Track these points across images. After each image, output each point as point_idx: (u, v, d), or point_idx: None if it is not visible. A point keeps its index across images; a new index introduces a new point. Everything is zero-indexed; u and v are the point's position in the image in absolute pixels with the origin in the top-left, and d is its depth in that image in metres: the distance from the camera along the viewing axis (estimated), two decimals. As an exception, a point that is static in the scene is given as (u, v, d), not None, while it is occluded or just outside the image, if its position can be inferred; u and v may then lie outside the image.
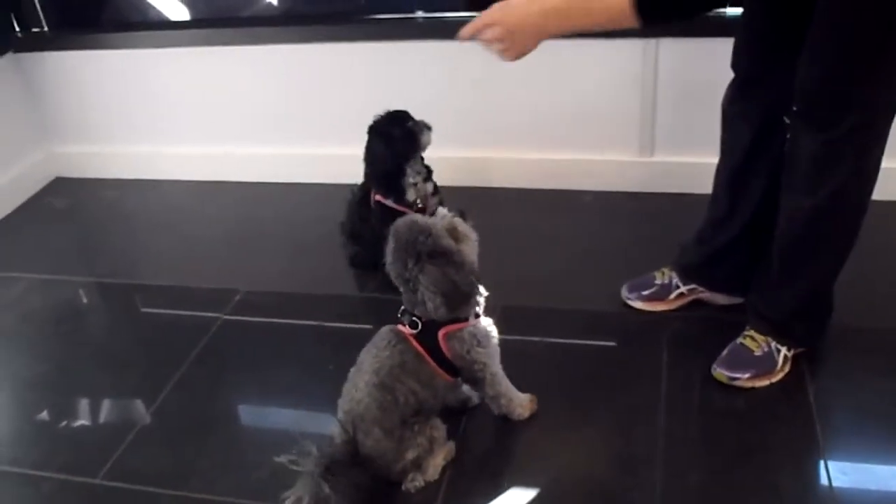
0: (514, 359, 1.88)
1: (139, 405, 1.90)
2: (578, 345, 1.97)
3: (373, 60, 2.56)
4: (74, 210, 2.88)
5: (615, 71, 2.38)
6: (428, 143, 2.10)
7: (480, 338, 1.61)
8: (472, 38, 1.53)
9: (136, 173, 2.95)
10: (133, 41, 2.78)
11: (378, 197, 2.12)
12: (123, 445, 1.78)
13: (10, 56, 2.76)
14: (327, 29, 2.63)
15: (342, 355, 1.68)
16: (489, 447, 1.71)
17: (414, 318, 1.57)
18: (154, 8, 2.94)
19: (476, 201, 2.51)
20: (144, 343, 2.14)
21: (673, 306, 2.01)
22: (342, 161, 2.62)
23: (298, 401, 1.89)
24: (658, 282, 2.01)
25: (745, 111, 1.76)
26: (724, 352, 1.81)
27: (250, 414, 1.91)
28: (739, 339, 1.81)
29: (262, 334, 2.11)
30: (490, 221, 2.42)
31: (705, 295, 2.00)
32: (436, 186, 2.19)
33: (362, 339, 1.69)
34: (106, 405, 1.97)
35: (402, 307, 1.60)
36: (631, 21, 1.39)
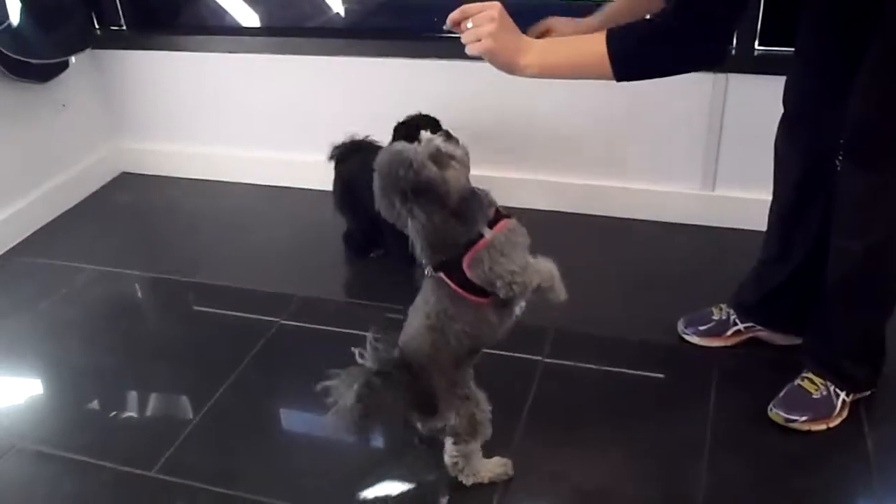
0: (564, 384, 1.90)
1: (195, 402, 1.93)
2: (630, 374, 1.96)
3: (440, 78, 2.59)
4: (138, 206, 2.94)
5: (683, 103, 2.38)
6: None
7: (501, 247, 1.46)
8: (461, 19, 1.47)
9: (199, 173, 3.01)
10: (206, 45, 2.84)
11: None
12: (178, 441, 1.82)
13: (88, 52, 2.83)
14: (397, 44, 2.67)
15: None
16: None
17: (426, 266, 1.49)
18: (228, 14, 3.01)
19: (529, 223, 2.54)
20: (201, 342, 2.17)
21: (729, 343, 1.99)
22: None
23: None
24: (715, 317, 2.00)
25: (794, 149, 1.76)
26: (782, 393, 1.79)
27: (303, 421, 1.94)
28: (797, 381, 1.79)
29: (318, 341, 2.14)
30: (546, 245, 2.46)
31: (763, 334, 1.98)
32: None
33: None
34: (162, 400, 2.01)
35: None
36: (607, 74, 1.40)
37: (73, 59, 2.75)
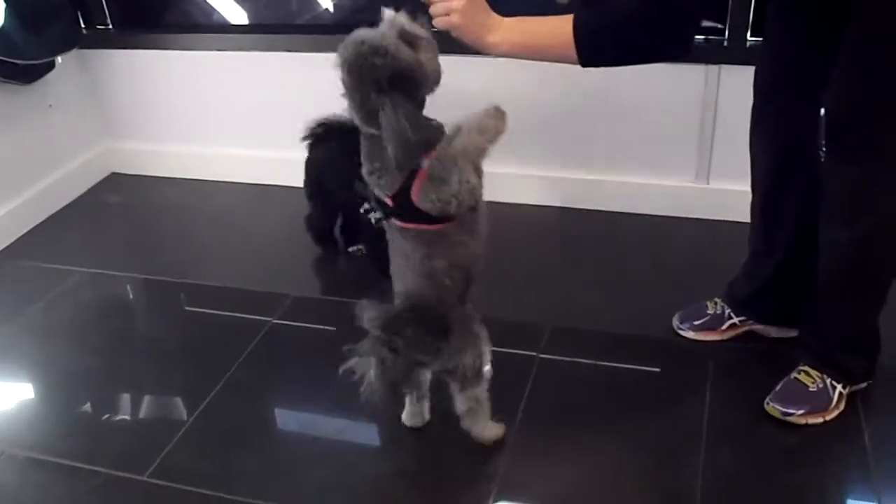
0: (560, 379, 1.89)
1: (187, 404, 1.91)
2: (625, 369, 1.95)
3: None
4: (128, 206, 2.92)
5: (675, 95, 2.37)
6: None
7: (438, 174, 1.36)
8: None
9: (190, 173, 2.99)
10: (194, 42, 2.82)
11: None
12: (171, 444, 1.79)
13: (74, 52, 2.80)
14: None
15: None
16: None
17: (386, 204, 1.42)
18: (216, 11, 2.98)
19: (524, 219, 2.53)
20: (193, 342, 2.15)
21: (725, 336, 1.98)
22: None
23: (346, 410, 1.89)
24: (710, 311, 1.99)
25: (764, 139, 1.76)
26: (778, 386, 1.78)
27: (298, 421, 1.92)
28: (794, 374, 1.78)
29: (311, 340, 2.12)
30: (538, 240, 2.45)
31: (758, 327, 1.97)
32: None
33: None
34: (154, 402, 1.99)
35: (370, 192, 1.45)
36: (572, 56, 1.39)
37: (59, 59, 2.72)
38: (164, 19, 3.04)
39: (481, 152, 1.41)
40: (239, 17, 3.00)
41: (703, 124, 2.38)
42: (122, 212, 2.89)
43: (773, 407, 1.75)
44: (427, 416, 1.76)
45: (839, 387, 1.75)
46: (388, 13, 1.36)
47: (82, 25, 2.85)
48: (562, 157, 2.57)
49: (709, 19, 2.28)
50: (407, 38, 1.34)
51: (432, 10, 1.45)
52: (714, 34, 2.29)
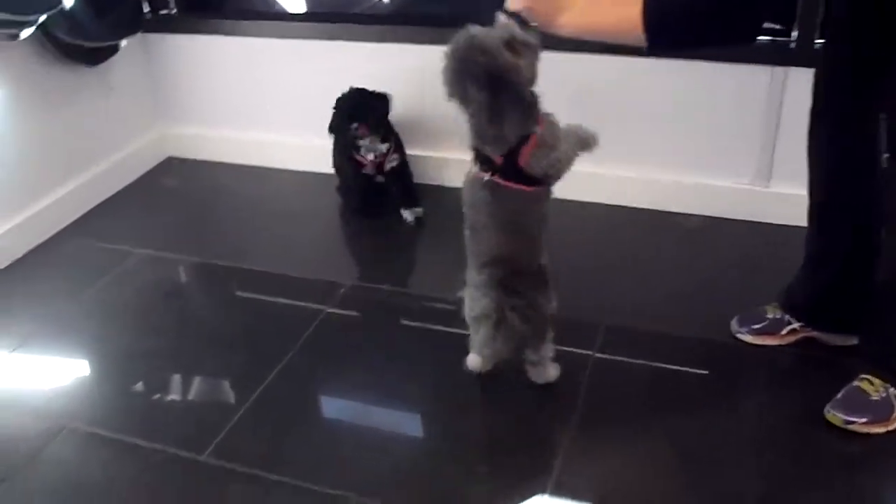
0: (616, 379, 1.89)
1: (244, 388, 1.93)
2: (681, 371, 1.93)
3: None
4: (184, 190, 2.96)
5: (738, 96, 2.34)
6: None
7: (551, 140, 1.58)
8: None
9: (245, 159, 3.02)
10: (253, 29, 2.84)
11: None
12: (229, 426, 1.82)
13: (137, 36, 2.84)
14: (443, 32, 2.63)
15: (442, 356, 1.70)
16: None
17: (492, 160, 1.57)
18: (276, 0, 3.01)
19: (578, 216, 2.52)
20: (249, 327, 2.18)
21: (784, 342, 1.96)
22: (449, 163, 2.65)
23: (400, 401, 1.90)
24: (769, 316, 1.97)
25: (822, 143, 1.74)
26: (840, 394, 1.75)
27: (352, 410, 1.93)
28: (856, 382, 1.76)
29: (366, 331, 2.14)
30: (594, 239, 2.44)
31: (818, 334, 1.94)
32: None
33: (465, 342, 1.77)
34: (212, 384, 2.02)
35: (473, 148, 1.60)
36: (639, 38, 1.39)
37: (123, 42, 2.76)
38: (225, 5, 3.08)
39: (579, 143, 1.63)
40: (297, 5, 3.02)
41: (765, 126, 2.34)
42: (179, 195, 2.94)
43: (835, 415, 1.72)
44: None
45: None
46: (501, 18, 1.50)
47: (146, 9, 2.88)
48: (618, 155, 2.54)
49: (777, 21, 2.25)
50: (512, 45, 1.45)
51: None
52: (781, 36, 2.26)
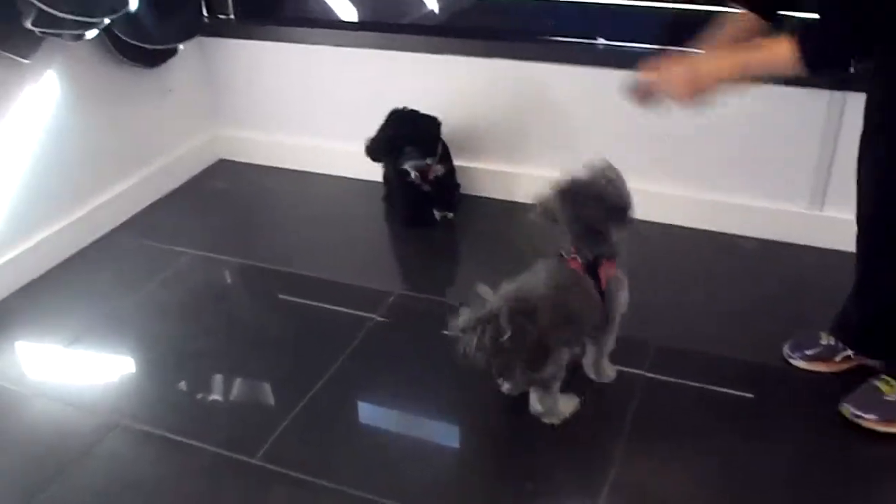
0: (663, 399, 1.89)
1: (293, 393, 1.95)
2: (732, 395, 1.92)
3: (545, 83, 2.58)
4: (234, 192, 2.99)
5: (796, 120, 2.32)
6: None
7: (625, 284, 1.81)
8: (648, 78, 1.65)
9: (295, 164, 3.05)
10: (307, 36, 2.88)
11: None
12: (279, 429, 1.84)
13: (196, 40, 2.89)
14: (497, 45, 2.66)
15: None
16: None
17: (586, 254, 1.74)
18: (330, 8, 3.04)
19: (632, 235, 2.50)
20: (297, 332, 2.20)
21: (836, 369, 1.93)
22: (496, 176, 2.66)
23: (445, 413, 1.91)
24: (823, 342, 1.95)
25: (868, 166, 1.73)
26: (858, 389, 1.79)
27: (397, 419, 1.95)
28: (874, 380, 1.78)
29: (415, 340, 2.14)
30: (649, 257, 2.42)
31: (872, 362, 1.92)
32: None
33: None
34: (262, 388, 2.04)
35: (569, 246, 1.76)
36: (795, 70, 1.49)
37: (181, 45, 2.81)
38: (281, 12, 3.12)
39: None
40: (350, 14, 3.05)
41: (821, 150, 2.32)
42: (229, 198, 2.97)
43: (846, 408, 1.77)
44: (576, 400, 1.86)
45: None
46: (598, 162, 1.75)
47: (205, 14, 2.93)
48: (671, 174, 2.54)
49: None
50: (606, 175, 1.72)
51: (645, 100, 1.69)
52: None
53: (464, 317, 1.62)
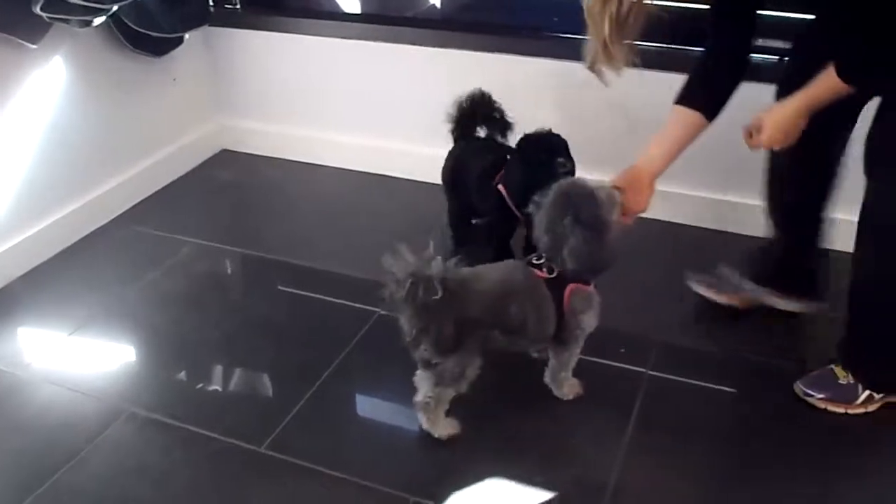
0: (666, 397, 1.92)
1: (301, 383, 1.96)
2: (734, 393, 1.94)
3: (549, 81, 2.59)
4: (238, 183, 3.00)
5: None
6: None
7: (595, 304, 1.76)
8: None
9: (298, 155, 3.05)
10: (311, 28, 2.88)
11: (504, 191, 2.13)
12: (287, 419, 1.85)
13: (201, 29, 2.88)
14: (504, 40, 2.66)
15: (496, 360, 1.74)
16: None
17: (551, 266, 1.72)
18: (335, 1, 3.05)
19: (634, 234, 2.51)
20: (304, 323, 2.20)
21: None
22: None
23: (452, 405, 1.92)
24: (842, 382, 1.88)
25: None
26: (815, 372, 1.88)
27: (404, 410, 1.93)
28: (832, 365, 1.86)
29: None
30: (652, 253, 2.43)
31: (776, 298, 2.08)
32: None
33: (521, 357, 1.82)
34: (269, 378, 2.05)
35: (538, 254, 1.74)
36: (847, 90, 1.59)
37: (187, 34, 2.80)
38: (287, 3, 3.12)
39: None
40: (356, 6, 3.06)
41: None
42: (232, 188, 2.97)
43: (799, 386, 1.87)
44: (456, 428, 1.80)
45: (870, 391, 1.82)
46: (600, 181, 1.75)
47: (211, 3, 2.92)
48: (694, 176, 2.54)
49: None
50: (610, 203, 1.72)
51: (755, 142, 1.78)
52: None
53: (402, 265, 1.59)
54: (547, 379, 1.87)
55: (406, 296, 1.58)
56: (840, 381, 1.83)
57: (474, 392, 1.78)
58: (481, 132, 2.35)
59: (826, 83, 1.61)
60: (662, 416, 1.85)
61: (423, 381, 1.77)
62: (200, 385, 2.01)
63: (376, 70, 2.84)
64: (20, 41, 2.23)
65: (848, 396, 1.82)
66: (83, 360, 2.10)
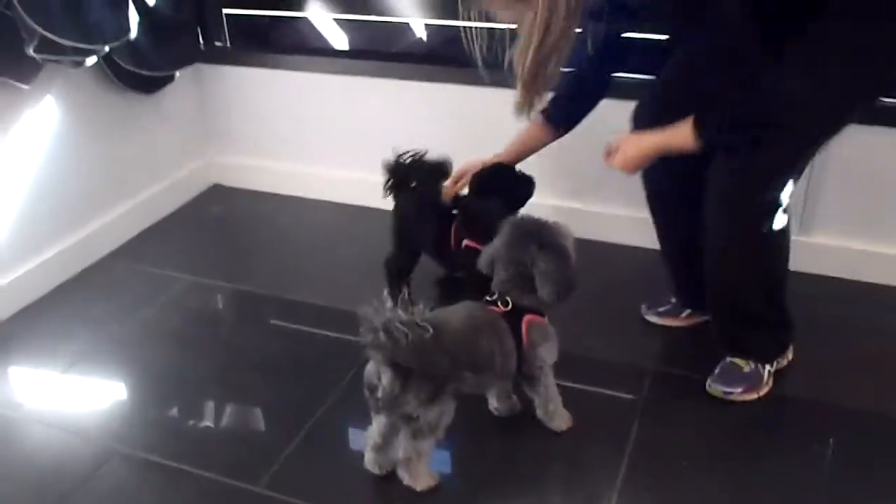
0: (665, 425, 1.93)
1: (297, 419, 1.95)
2: (730, 420, 1.95)
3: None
4: (229, 217, 3.01)
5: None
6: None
7: (551, 336, 1.78)
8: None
9: (290, 189, 3.07)
10: (300, 64, 2.91)
11: (470, 243, 2.10)
12: (283, 456, 1.84)
13: (191, 66, 2.91)
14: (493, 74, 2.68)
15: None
16: None
17: (506, 299, 1.74)
18: (323, 36, 3.07)
19: (624, 260, 2.53)
20: (299, 359, 2.20)
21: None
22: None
23: (448, 439, 1.92)
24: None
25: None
26: (717, 369, 1.96)
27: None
28: (729, 358, 1.96)
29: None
30: (638, 281, 2.42)
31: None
32: None
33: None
34: (265, 414, 2.04)
35: (493, 291, 1.77)
36: (697, 146, 1.68)
37: (178, 72, 2.83)
38: (275, 40, 3.14)
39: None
40: (344, 42, 3.08)
41: (809, 177, 2.37)
42: (224, 223, 2.98)
43: (716, 388, 1.94)
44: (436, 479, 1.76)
45: (768, 366, 1.95)
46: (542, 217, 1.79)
47: (200, 41, 2.95)
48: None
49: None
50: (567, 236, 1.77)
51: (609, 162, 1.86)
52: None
53: (382, 313, 1.53)
54: (539, 414, 1.86)
55: (386, 344, 1.51)
56: (745, 370, 1.94)
57: (468, 424, 1.79)
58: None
59: (683, 134, 1.68)
60: (658, 444, 1.86)
61: (403, 442, 1.70)
62: (194, 423, 2.01)
63: (364, 104, 2.87)
64: (13, 82, 2.25)
65: (757, 382, 1.94)
66: (76, 399, 2.09)
